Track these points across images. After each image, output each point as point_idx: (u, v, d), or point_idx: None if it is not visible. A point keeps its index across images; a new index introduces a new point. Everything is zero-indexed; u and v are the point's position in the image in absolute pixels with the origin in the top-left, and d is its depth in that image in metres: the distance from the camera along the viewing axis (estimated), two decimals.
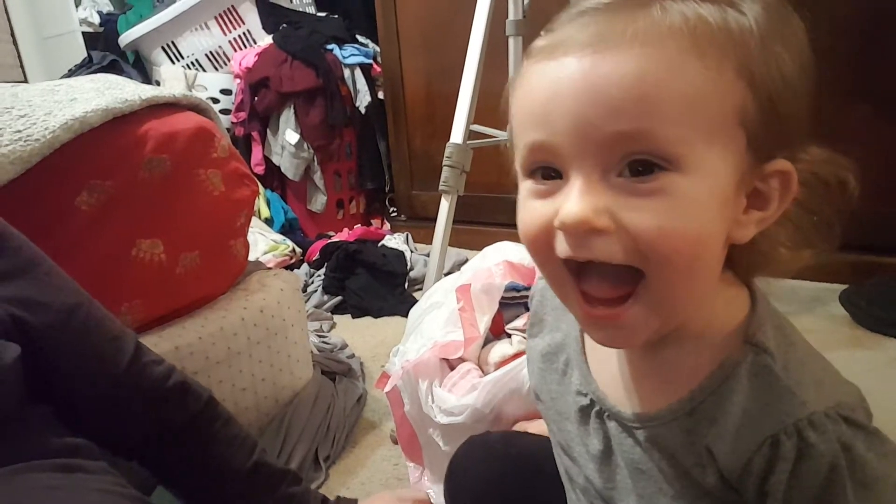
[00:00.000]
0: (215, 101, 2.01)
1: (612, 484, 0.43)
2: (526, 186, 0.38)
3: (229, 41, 2.04)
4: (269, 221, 1.91)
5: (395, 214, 2.12)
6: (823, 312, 1.30)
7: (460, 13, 1.70)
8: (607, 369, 0.44)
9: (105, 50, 2.09)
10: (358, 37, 2.08)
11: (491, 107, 1.26)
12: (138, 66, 2.11)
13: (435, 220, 1.14)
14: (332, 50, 1.93)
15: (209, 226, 0.88)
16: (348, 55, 1.95)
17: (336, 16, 2.11)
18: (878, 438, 0.36)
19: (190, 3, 1.95)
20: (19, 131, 0.69)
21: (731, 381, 0.37)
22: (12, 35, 2.14)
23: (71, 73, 1.96)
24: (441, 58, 1.85)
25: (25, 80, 2.13)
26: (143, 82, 2.02)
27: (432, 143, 1.93)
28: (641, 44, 0.33)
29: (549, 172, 0.36)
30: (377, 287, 1.55)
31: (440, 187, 1.13)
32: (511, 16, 1.22)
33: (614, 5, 0.35)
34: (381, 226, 2.08)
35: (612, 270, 0.35)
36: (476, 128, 1.21)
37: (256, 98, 1.92)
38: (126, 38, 2.00)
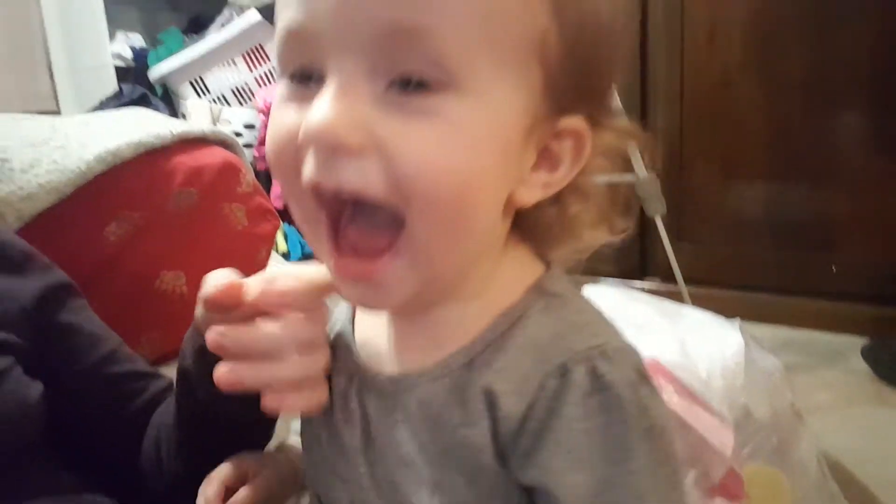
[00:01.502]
0: (238, 134, 2.05)
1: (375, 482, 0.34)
2: (280, 88, 0.31)
3: (255, 77, 2.10)
4: (286, 255, 1.92)
5: None
6: (844, 366, 1.28)
7: None
8: (373, 338, 0.36)
9: (135, 83, 2.15)
10: None
11: None
12: (166, 99, 2.17)
13: None
14: None
15: (231, 259, 0.88)
16: None
17: None
18: (659, 398, 0.32)
19: (219, 41, 2.02)
20: (56, 162, 0.71)
21: (516, 325, 0.32)
22: (49, 66, 2.22)
23: (102, 105, 2.02)
24: None
25: (58, 110, 2.19)
26: (170, 115, 2.08)
27: None
28: None
29: (309, 76, 0.29)
30: None
31: None
32: None
33: None
34: None
35: (378, 220, 0.29)
36: None
37: None
38: (156, 72, 2.07)
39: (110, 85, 2.18)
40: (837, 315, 1.38)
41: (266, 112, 1.96)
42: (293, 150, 0.29)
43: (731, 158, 1.50)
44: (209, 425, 0.44)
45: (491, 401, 0.31)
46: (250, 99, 2.10)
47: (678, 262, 1.35)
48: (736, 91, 1.47)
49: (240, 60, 2.07)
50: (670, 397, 0.75)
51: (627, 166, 1.32)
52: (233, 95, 2.09)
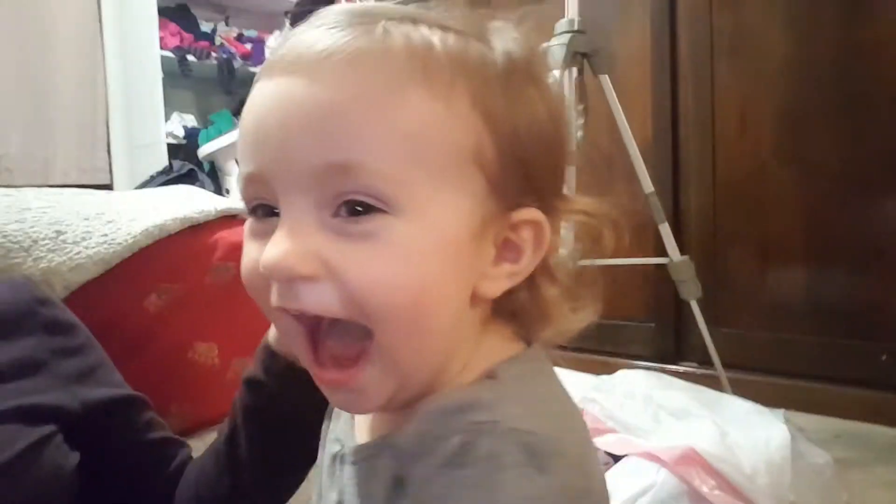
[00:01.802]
0: None
1: None
2: (246, 224, 0.34)
3: None
4: None
5: None
6: None
7: None
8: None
9: (185, 159, 2.27)
10: None
11: None
12: (212, 175, 2.29)
13: None
14: None
15: (262, 331, 0.90)
16: None
17: None
18: (558, 488, 0.28)
19: None
20: (105, 235, 0.75)
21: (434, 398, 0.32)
22: (108, 143, 2.37)
23: (152, 179, 2.13)
24: None
25: (111, 183, 2.32)
26: (215, 190, 2.17)
27: None
28: (355, 66, 0.29)
29: (270, 210, 0.32)
30: None
31: None
32: None
33: (339, 23, 0.31)
34: None
35: (351, 330, 0.31)
36: None
37: None
38: (205, 150, 2.19)
39: (162, 160, 2.31)
40: (890, 406, 1.31)
41: None
42: (261, 281, 0.32)
43: (767, 242, 1.48)
44: (275, 420, 0.49)
45: (403, 484, 0.31)
46: None
47: (715, 346, 1.31)
48: (769, 176, 1.47)
49: None
50: (711, 491, 0.71)
51: (661, 250, 1.31)
52: None
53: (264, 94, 0.31)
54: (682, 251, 1.32)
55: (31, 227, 0.79)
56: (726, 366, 1.32)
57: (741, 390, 1.12)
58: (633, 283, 1.66)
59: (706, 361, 1.39)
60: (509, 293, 0.34)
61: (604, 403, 0.82)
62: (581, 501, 0.30)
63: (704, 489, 0.70)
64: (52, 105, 2.27)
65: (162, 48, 2.41)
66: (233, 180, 2.15)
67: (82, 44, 2.37)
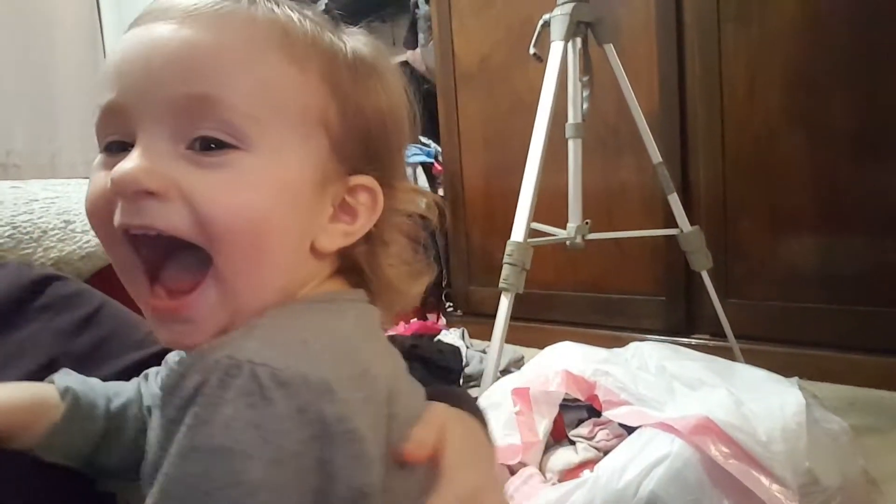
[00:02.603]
0: None
1: None
2: (97, 160, 0.35)
3: None
4: None
5: (451, 309, 2.12)
6: None
7: (518, 113, 1.78)
8: None
9: None
10: (420, 137, 2.19)
11: (550, 205, 1.29)
12: None
13: (492, 316, 1.14)
14: None
15: None
16: (411, 154, 2.05)
17: None
18: (269, 411, 0.28)
19: None
20: None
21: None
22: None
23: None
24: (500, 156, 1.91)
25: None
26: None
27: (490, 239, 1.95)
28: (228, 21, 0.34)
29: (124, 146, 0.33)
30: (432, 382, 1.53)
31: (500, 285, 1.14)
32: (570, 119, 1.26)
33: None
34: (437, 320, 2.08)
35: (188, 263, 0.33)
36: (536, 226, 1.22)
37: None
38: None
39: None
40: None
41: None
42: (105, 204, 0.33)
43: (778, 210, 1.46)
44: None
45: None
46: None
47: (727, 317, 1.30)
48: (779, 142, 1.44)
49: None
50: (727, 460, 0.71)
51: (670, 221, 1.30)
52: None
53: (132, 35, 0.34)
54: (692, 222, 1.30)
55: (40, 217, 0.79)
56: (739, 337, 1.32)
57: (754, 361, 1.11)
58: (642, 256, 1.65)
59: (718, 333, 1.39)
60: (349, 252, 0.38)
61: (616, 375, 0.82)
62: (321, 429, 0.29)
63: (720, 458, 0.70)
64: (56, 99, 2.27)
65: None
66: None
67: (82, 36, 2.36)
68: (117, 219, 0.33)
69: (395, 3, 2.40)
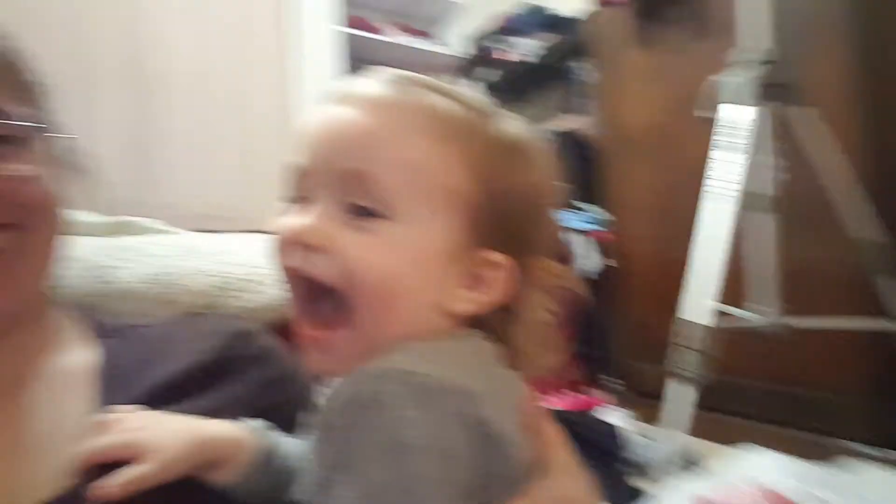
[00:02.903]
0: None
1: None
2: (285, 209, 0.43)
3: None
4: None
5: (613, 386, 1.99)
6: None
7: (690, 182, 1.66)
8: None
9: None
10: (579, 204, 2.13)
11: (735, 285, 1.16)
12: None
13: (655, 396, 1.02)
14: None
15: None
16: (569, 220, 2.00)
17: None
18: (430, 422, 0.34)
19: None
20: None
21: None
22: None
23: None
24: (672, 226, 1.79)
25: None
26: None
27: (660, 315, 1.80)
28: (384, 107, 0.41)
29: (305, 201, 0.41)
30: (587, 465, 1.41)
31: (677, 370, 1.03)
32: (755, 189, 1.15)
33: (384, 81, 0.42)
34: (597, 396, 1.96)
35: (337, 305, 0.40)
36: (721, 307, 1.11)
37: None
38: None
39: None
40: None
41: None
42: (281, 245, 0.42)
43: None
44: None
45: None
46: None
47: None
48: None
49: None
50: None
51: (882, 309, 1.11)
52: None
53: (322, 113, 0.43)
54: None
55: (238, 269, 0.85)
56: None
57: None
58: (848, 348, 1.42)
59: None
60: (484, 317, 0.42)
61: None
62: (480, 430, 0.35)
63: None
64: (255, 162, 2.55)
65: None
66: None
67: (274, 109, 2.66)
68: (284, 260, 0.41)
69: (557, 70, 2.43)
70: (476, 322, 0.42)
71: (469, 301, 0.41)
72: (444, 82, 0.44)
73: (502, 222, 0.41)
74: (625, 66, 1.94)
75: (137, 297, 0.66)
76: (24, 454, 0.46)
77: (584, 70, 2.24)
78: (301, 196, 0.42)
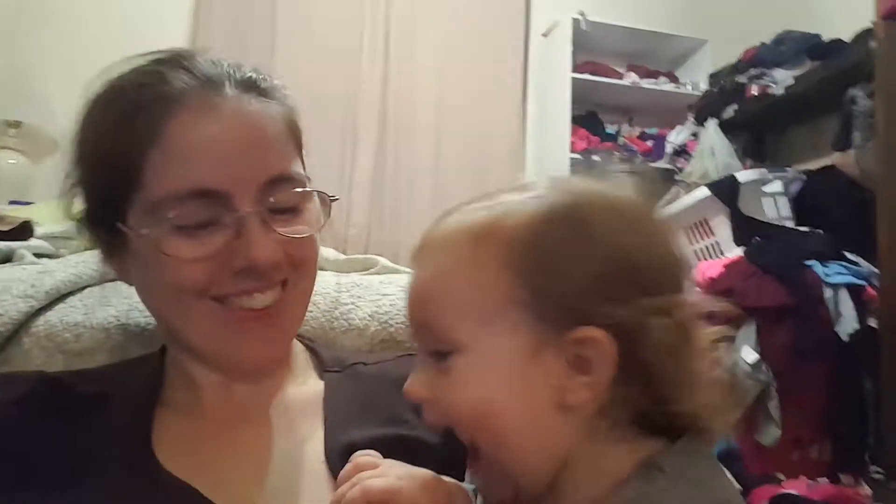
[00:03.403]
0: None
1: None
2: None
3: (694, 251, 2.06)
4: None
5: (878, 475, 1.63)
6: None
7: None
8: None
9: None
10: (847, 254, 1.82)
11: None
12: None
13: None
14: (812, 266, 1.73)
15: None
16: (833, 273, 1.71)
17: (819, 230, 1.91)
18: None
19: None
20: None
21: (615, 491, 0.39)
22: None
23: None
24: None
25: None
26: None
27: None
28: (432, 255, 0.44)
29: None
30: None
31: None
32: None
33: (449, 217, 0.45)
34: (856, 485, 1.62)
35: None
36: None
37: None
38: None
39: None
40: None
41: (704, 286, 1.88)
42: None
43: None
44: None
45: None
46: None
47: None
48: None
49: (681, 234, 2.09)
50: None
51: None
52: None
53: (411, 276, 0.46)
54: None
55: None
56: None
57: None
58: None
59: None
60: (624, 399, 0.40)
61: None
62: None
63: None
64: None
65: (572, 151, 2.64)
66: None
67: (508, 155, 2.79)
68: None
69: (822, 102, 2.13)
70: (625, 404, 0.40)
71: (584, 386, 0.40)
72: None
73: (564, 300, 0.40)
74: None
75: (361, 334, 0.74)
76: (265, 477, 0.52)
77: (862, 99, 1.93)
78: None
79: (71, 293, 0.70)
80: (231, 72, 0.54)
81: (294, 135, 0.57)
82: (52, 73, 2.20)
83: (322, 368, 0.63)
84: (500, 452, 0.41)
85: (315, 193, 0.57)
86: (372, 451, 0.47)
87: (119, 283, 0.65)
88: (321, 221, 0.57)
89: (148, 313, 0.67)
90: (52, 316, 0.68)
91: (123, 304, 0.69)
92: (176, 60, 0.54)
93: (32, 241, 0.89)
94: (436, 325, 0.42)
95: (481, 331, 0.41)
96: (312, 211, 0.56)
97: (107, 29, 2.34)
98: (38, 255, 0.83)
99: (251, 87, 0.55)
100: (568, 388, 0.40)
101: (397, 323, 0.75)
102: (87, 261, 0.73)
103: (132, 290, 0.60)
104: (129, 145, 0.50)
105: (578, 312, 0.40)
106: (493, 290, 0.41)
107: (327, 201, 0.58)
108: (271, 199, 0.52)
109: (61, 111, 2.08)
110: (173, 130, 0.50)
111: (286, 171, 0.54)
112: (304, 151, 0.59)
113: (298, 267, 0.54)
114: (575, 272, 0.40)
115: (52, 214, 1.15)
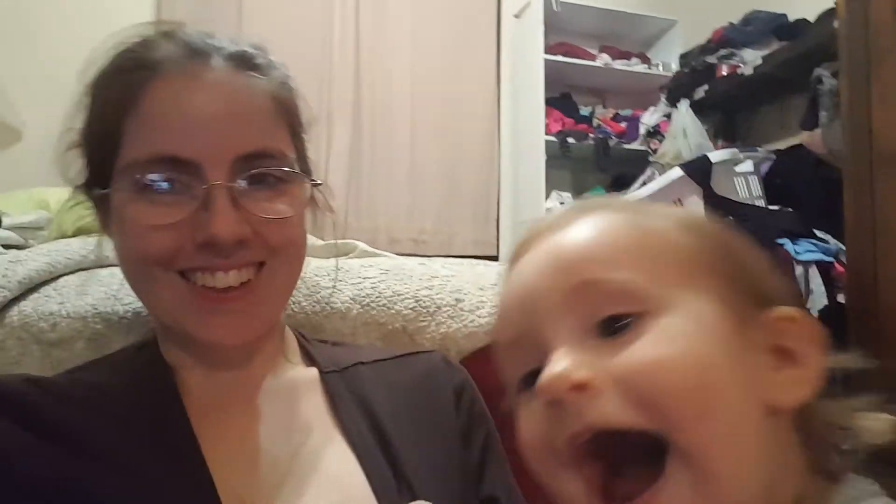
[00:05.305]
0: None
1: None
2: (524, 399, 0.36)
3: None
4: None
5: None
6: None
7: None
8: None
9: None
10: (816, 231, 1.86)
11: None
12: None
13: None
14: (783, 245, 1.77)
15: None
16: (803, 251, 1.75)
17: (789, 209, 1.95)
18: None
19: (639, 196, 2.10)
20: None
21: None
22: (497, 219, 2.72)
23: None
24: None
25: (497, 255, 2.62)
26: None
27: None
28: (583, 218, 0.38)
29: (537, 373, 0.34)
30: None
31: None
32: None
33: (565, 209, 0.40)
34: None
35: (635, 463, 0.32)
36: None
37: None
38: None
39: None
40: None
41: None
42: (544, 446, 0.34)
43: None
44: None
45: None
46: None
47: None
48: None
49: None
50: None
51: None
52: None
53: (530, 261, 0.38)
54: None
55: (438, 293, 0.90)
56: None
57: None
58: None
59: None
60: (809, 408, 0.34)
61: None
62: None
63: None
64: (460, 189, 2.71)
65: (546, 133, 2.64)
66: None
67: (483, 137, 2.79)
68: (562, 432, 0.33)
69: (789, 82, 2.16)
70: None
71: (793, 383, 0.33)
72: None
73: (743, 277, 0.36)
74: (884, 72, 1.66)
75: (344, 317, 0.74)
76: (263, 451, 0.53)
77: (828, 78, 1.96)
78: (530, 375, 0.35)
79: (45, 283, 0.68)
80: (224, 46, 0.54)
81: (286, 114, 0.56)
82: (12, 62, 2.12)
83: (320, 370, 0.61)
84: (715, 448, 0.31)
85: (303, 176, 0.56)
86: None
87: (95, 271, 0.63)
88: (306, 206, 0.56)
89: (126, 301, 0.66)
90: (27, 306, 0.66)
91: (100, 292, 0.68)
92: (167, 31, 0.54)
93: (0, 232, 0.86)
94: (617, 284, 0.33)
95: (681, 291, 0.33)
96: (298, 195, 0.55)
97: (66, 12, 2.26)
98: (5, 247, 0.80)
99: (243, 61, 0.54)
100: (776, 383, 0.33)
101: (379, 305, 0.76)
102: (60, 249, 0.71)
103: (109, 278, 0.58)
104: (111, 110, 0.51)
105: (767, 298, 0.36)
106: (689, 250, 0.35)
107: (309, 185, 0.57)
108: (246, 175, 0.51)
109: (22, 101, 2.01)
110: (150, 97, 0.50)
111: (267, 147, 0.52)
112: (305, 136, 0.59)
113: (277, 251, 0.52)
114: (755, 263, 0.37)
115: (20, 204, 1.12)
